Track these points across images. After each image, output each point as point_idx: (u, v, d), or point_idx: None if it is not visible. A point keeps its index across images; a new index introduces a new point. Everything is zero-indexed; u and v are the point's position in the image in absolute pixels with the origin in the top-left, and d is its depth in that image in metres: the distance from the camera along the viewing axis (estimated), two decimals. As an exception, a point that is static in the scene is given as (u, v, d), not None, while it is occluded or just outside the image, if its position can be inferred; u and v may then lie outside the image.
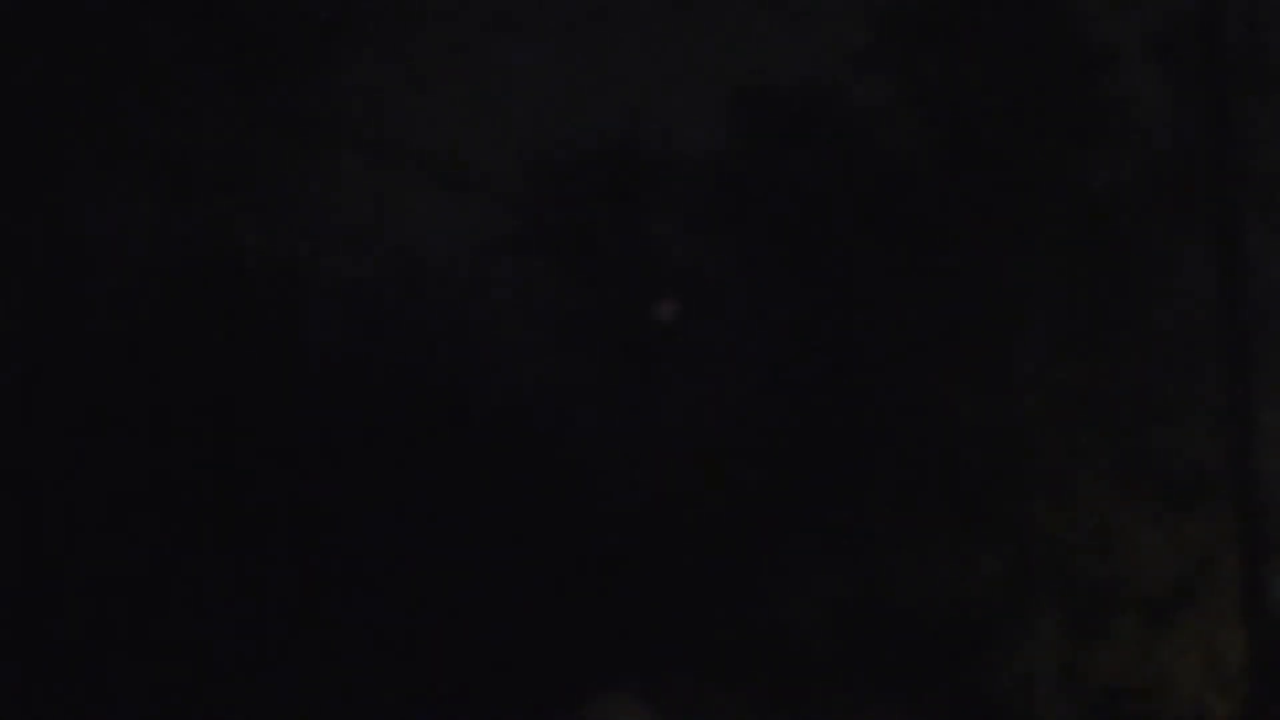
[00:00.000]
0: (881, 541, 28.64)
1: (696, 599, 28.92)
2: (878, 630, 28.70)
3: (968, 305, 29.00)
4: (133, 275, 25.85)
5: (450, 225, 31.52)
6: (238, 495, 24.80)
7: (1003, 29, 29.32)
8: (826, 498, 29.23)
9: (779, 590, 29.06)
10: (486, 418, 29.53)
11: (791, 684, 28.21)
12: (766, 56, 48.39)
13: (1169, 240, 28.71)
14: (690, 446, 31.45)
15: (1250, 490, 25.02)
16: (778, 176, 30.25)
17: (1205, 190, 26.12)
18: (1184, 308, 28.06)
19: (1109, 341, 28.64)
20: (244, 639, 24.33)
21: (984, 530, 28.15)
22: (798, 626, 28.93)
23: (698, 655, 28.26)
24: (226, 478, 24.88)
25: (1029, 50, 29.03)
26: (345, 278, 28.88)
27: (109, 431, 24.16)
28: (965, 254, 28.89)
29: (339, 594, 25.60)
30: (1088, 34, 28.83)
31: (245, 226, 25.36)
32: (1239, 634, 25.03)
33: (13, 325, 22.96)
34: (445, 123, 29.38)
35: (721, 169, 30.75)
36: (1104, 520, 27.49)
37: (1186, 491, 27.14)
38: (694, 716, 26.84)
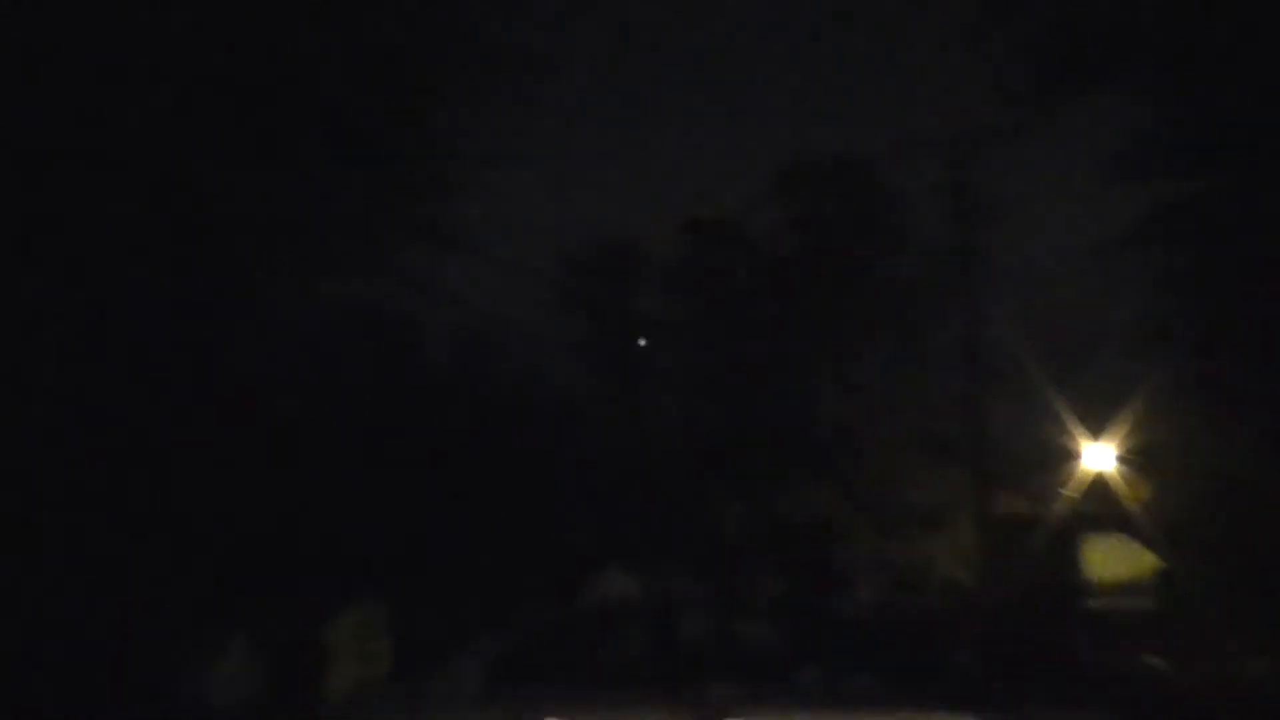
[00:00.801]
0: (768, 480, 33.43)
1: (660, 515, 33.51)
2: (767, 533, 33.11)
3: (822, 345, 34.22)
4: (314, 324, 26.26)
5: (513, 292, 35.45)
6: (397, 468, 26.55)
7: (841, 190, 34.57)
8: (738, 453, 34.28)
9: (708, 510, 34.06)
10: (535, 408, 33.41)
11: (713, 564, 32.49)
12: (704, 188, 54.37)
13: (930, 304, 32.17)
14: (658, 424, 36.93)
15: (980, 453, 27.90)
16: (707, 269, 36.16)
17: (960, 277, 28.64)
18: (947, 344, 30.38)
19: (903, 367, 33.34)
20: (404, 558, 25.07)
21: (828, 474, 32.70)
22: (720, 529, 33.89)
23: (660, 549, 32.57)
24: (393, 455, 26.83)
25: (855, 199, 34.26)
26: (451, 325, 32.35)
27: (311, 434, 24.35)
28: (822, 313, 34.05)
29: (459, 508, 27.88)
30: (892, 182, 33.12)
31: (384, 293, 25.68)
32: (975, 536, 27.53)
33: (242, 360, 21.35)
34: (510, 230, 31.83)
35: (676, 263, 36.75)
36: (898, 469, 31.76)
37: (943, 453, 30.73)
38: (658, 581, 30.57)
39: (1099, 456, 27.39)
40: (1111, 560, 23.94)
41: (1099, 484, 27.32)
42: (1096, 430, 27.30)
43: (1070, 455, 28.09)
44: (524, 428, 31.69)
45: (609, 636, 8.91)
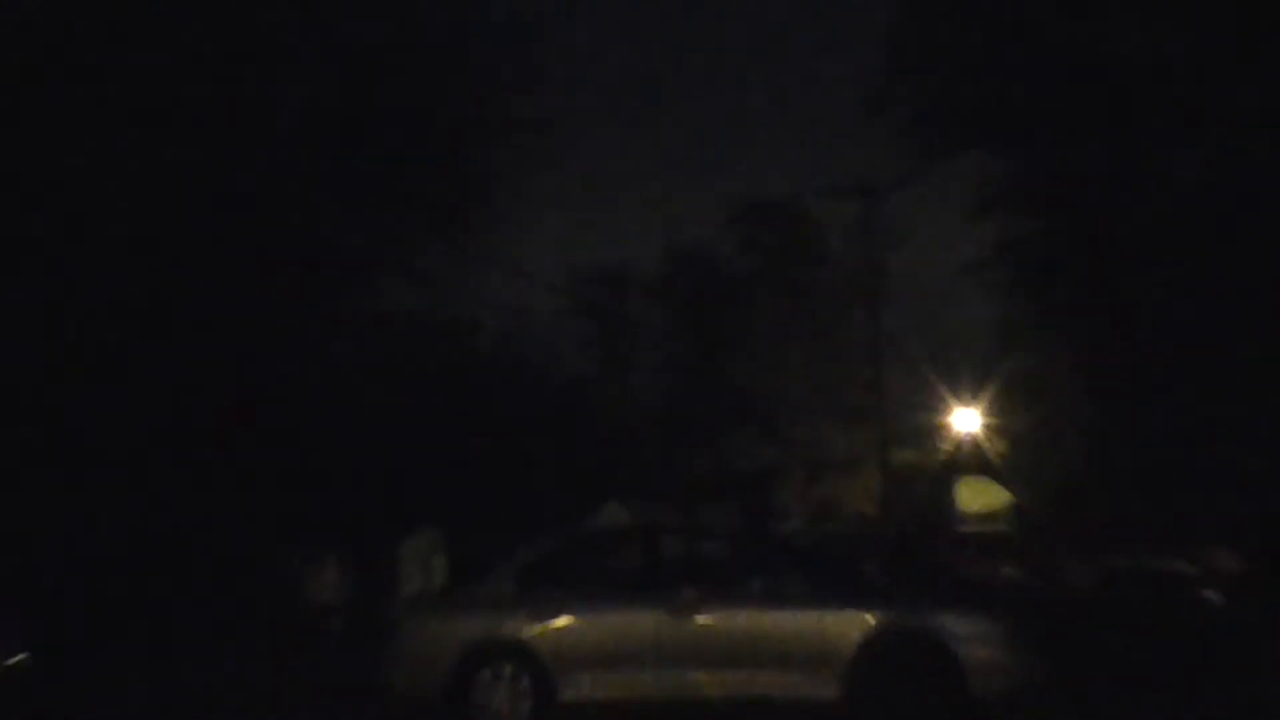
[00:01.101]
0: (726, 440, 33.61)
1: (647, 466, 33.67)
2: (727, 477, 32.96)
3: (766, 340, 34.17)
4: (398, 324, 24.48)
5: (539, 300, 38.25)
6: (455, 431, 25.79)
7: (779, 224, 34.48)
8: (704, 421, 34.34)
9: (683, 462, 33.92)
10: (555, 387, 32.94)
11: (687, 500, 32.33)
12: (681, 220, 54.25)
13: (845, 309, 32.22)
14: (646, 400, 36.83)
15: (882, 419, 26.67)
16: (680, 283, 36.24)
17: (867, 288, 27.60)
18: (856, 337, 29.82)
19: (825, 355, 33.14)
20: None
21: (771, 436, 33.07)
22: (692, 475, 33.68)
23: (646, 489, 31.65)
24: (453, 421, 25.92)
25: (790, 230, 34.17)
26: (494, 325, 30.84)
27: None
28: (766, 316, 34.42)
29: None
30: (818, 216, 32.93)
31: (446, 301, 23.95)
32: (878, 480, 26.44)
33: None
34: (536, 252, 33.91)
35: (658, 279, 36.68)
36: (822, 431, 32.11)
37: (855, 416, 30.26)
38: (646, 514, 28.01)
39: (968, 421, 27.47)
40: (977, 496, 23.28)
41: (968, 441, 27.52)
42: (967, 401, 27.34)
43: (947, 420, 28.21)
44: (547, 402, 31.39)
45: (609, 554, 8.99)
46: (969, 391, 27.21)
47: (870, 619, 8.92)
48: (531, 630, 9.29)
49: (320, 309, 19.46)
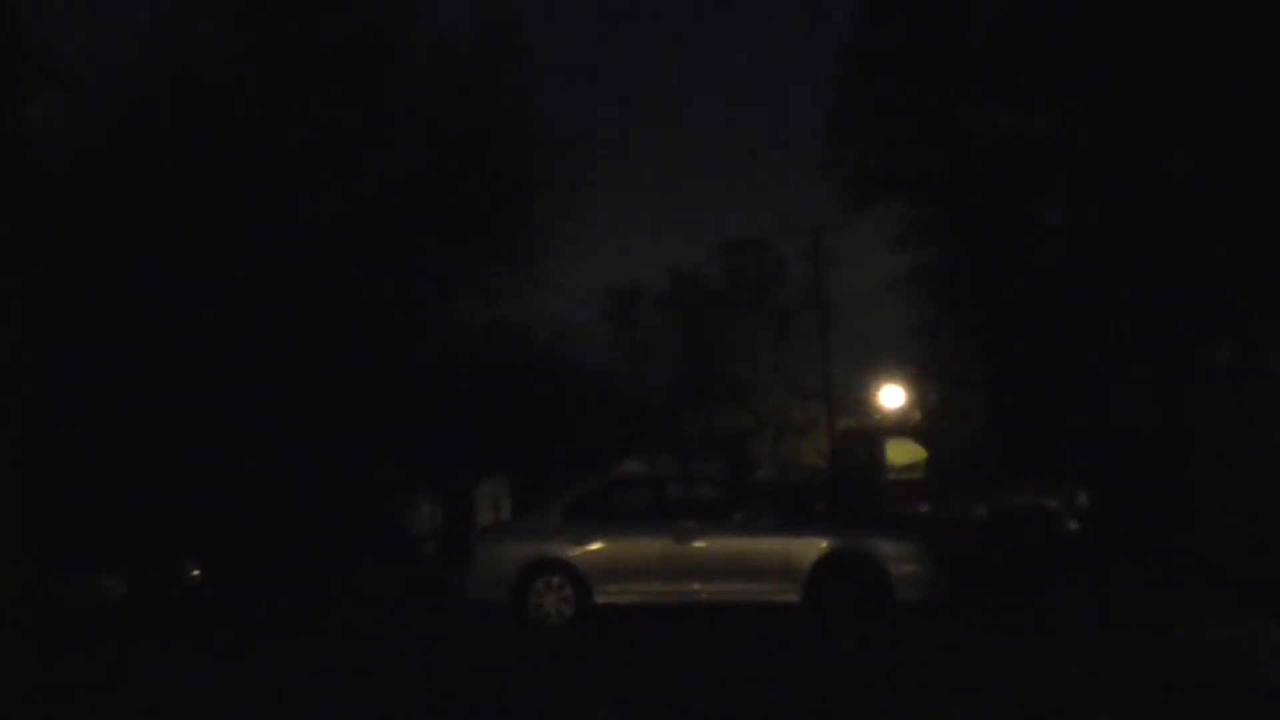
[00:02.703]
0: (714, 410, 32.77)
1: (656, 430, 32.33)
2: (715, 437, 32.38)
3: (744, 339, 33.36)
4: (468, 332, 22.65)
5: (575, 310, 37.21)
6: (515, 412, 24.29)
7: (750, 253, 33.57)
8: (699, 398, 33.09)
9: (682, 427, 33.10)
10: (588, 379, 31.23)
11: (686, 455, 31.73)
12: (677, 247, 53.41)
13: (800, 316, 30.81)
14: (655, 386, 35.61)
15: (829, 394, 25.98)
16: (680, 299, 35.69)
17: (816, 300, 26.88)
18: (810, 335, 28.93)
19: (787, 349, 32.99)
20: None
21: (747, 406, 32.72)
22: (689, 437, 32.97)
23: (657, 447, 32.31)
24: (512, 404, 24.29)
25: (758, 258, 33.55)
26: (543, 331, 28.47)
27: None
28: (743, 324, 33.63)
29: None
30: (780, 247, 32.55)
31: (504, 308, 21.24)
32: (827, 442, 23.65)
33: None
34: (572, 270, 33.14)
35: (663, 295, 36.06)
36: (785, 403, 32.33)
37: (809, 393, 30.43)
38: (657, 465, 30.03)
39: (894, 397, 27.10)
40: (901, 453, 23.05)
41: (894, 412, 27.15)
42: (893, 381, 27.16)
43: (878, 396, 27.88)
44: (583, 387, 30.66)
45: (629, 496, 8.92)
46: (894, 374, 27.40)
47: (823, 543, 8.85)
48: (573, 552, 9.22)
49: (416, 318, 19.12)
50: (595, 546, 9.23)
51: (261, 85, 16.23)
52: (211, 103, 15.62)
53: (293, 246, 15.72)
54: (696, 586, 8.99)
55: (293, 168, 16.15)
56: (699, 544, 9.07)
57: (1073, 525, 12.61)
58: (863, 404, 29.54)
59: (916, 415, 26.47)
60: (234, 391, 15.18)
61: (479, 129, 17.95)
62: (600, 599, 9.13)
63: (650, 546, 9.10)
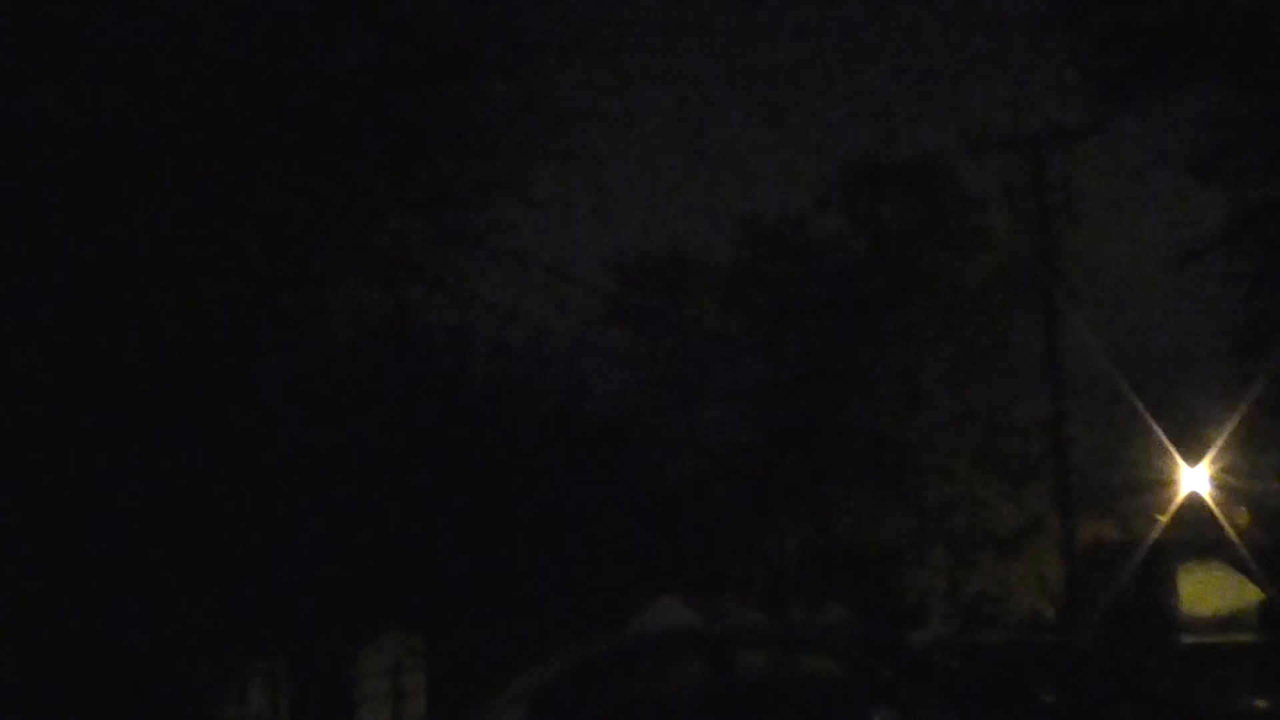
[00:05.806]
0: (835, 504, 33.37)
1: (716, 539, 33.97)
2: (832, 560, 33.67)
3: (888, 358, 34.14)
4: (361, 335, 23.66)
5: (560, 302, 38.89)
6: (434, 488, 26.21)
7: (906, 193, 34.61)
8: (802, 474, 34.14)
9: (768, 534, 34.43)
10: (582, 422, 32.61)
11: (775, 593, 33.45)
12: (759, 191, 54.62)
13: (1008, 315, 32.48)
14: (716, 439, 37.31)
15: (1064, 473, 27.04)
16: (766, 277, 36.03)
17: (1036, 284, 28.19)
18: (1023, 360, 31.06)
19: (974, 380, 33.46)
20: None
21: (900, 496, 32.51)
22: (783, 555, 34.49)
23: (716, 576, 33.43)
24: (430, 473, 26.41)
25: (922, 202, 34.29)
26: (493, 337, 30.44)
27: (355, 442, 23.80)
28: (889, 324, 34.16)
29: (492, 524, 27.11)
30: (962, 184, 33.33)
31: (428, 305, 23.59)
32: (1060, 565, 26.60)
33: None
34: (556, 236, 33.76)
35: (733, 272, 36.66)
36: (972, 491, 31.63)
37: (1022, 474, 31.13)
38: (716, 612, 31.12)
39: (1193, 479, 26.74)
40: (1208, 592, 22.63)
41: (1194, 508, 26.51)
42: (1189, 449, 26.95)
43: (1161, 476, 27.98)
44: (570, 442, 31.32)
45: (660, 676, 8.73)
46: (1193, 436, 27.13)
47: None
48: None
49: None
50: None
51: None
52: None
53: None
54: None
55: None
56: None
57: None
58: (1130, 493, 30.25)
59: (1239, 517, 25.48)
60: None
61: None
62: None
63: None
